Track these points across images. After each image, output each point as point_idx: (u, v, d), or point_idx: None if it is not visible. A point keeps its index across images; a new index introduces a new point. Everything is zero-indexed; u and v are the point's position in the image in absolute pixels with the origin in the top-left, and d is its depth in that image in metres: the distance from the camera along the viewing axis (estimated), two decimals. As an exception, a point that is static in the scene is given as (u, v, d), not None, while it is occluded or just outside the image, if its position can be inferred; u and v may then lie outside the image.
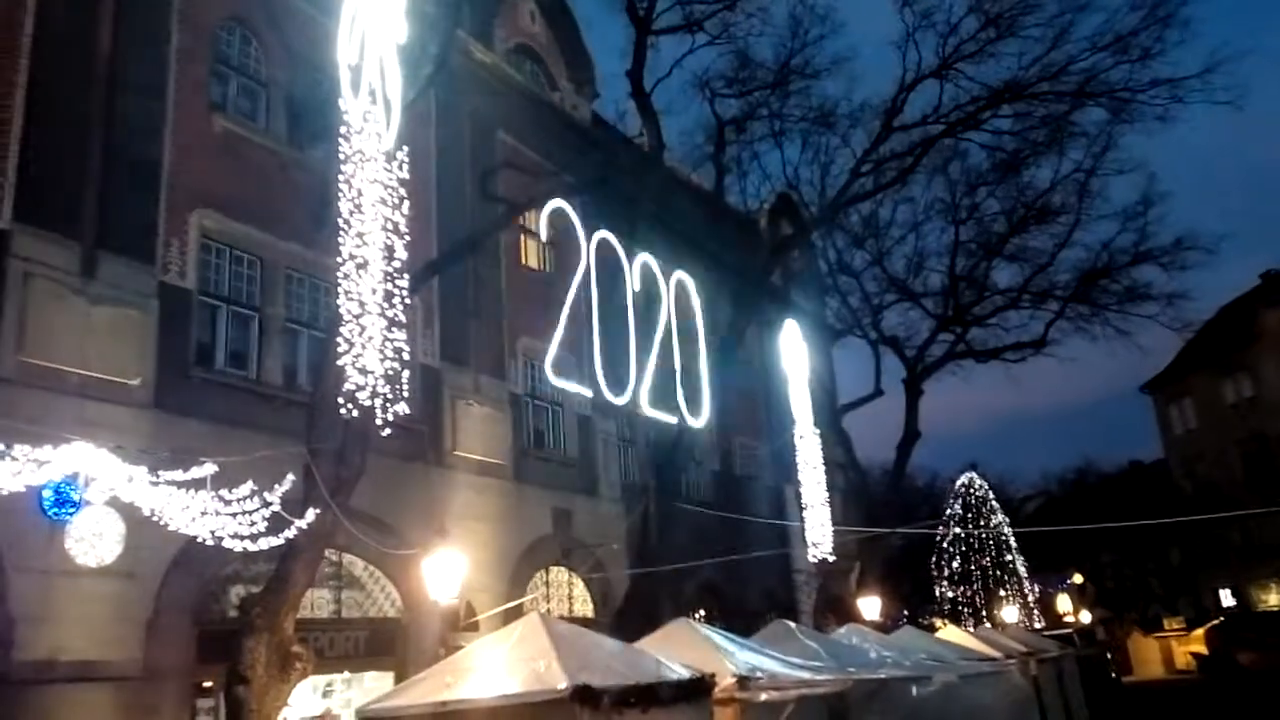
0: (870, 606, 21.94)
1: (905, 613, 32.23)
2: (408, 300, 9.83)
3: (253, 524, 9.02)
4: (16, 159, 9.95)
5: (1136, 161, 36.62)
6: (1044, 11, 21.04)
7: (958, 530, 33.94)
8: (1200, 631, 39.18)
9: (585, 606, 17.03)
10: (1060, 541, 33.11)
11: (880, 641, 14.85)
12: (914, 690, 13.39)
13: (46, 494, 8.29)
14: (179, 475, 8.71)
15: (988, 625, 28.76)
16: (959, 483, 35.99)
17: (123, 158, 10.87)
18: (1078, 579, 41.72)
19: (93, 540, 8.60)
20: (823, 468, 21.08)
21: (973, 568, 34.05)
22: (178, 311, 11.11)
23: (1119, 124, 23.18)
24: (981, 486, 35.56)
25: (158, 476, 8.58)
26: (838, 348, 29.43)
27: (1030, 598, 34.40)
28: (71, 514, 8.39)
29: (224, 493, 8.93)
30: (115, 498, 8.43)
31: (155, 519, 8.57)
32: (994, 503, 35.47)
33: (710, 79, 20.45)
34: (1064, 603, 34.22)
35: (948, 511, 35.09)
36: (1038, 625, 33.06)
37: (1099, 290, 26.51)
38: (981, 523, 34.07)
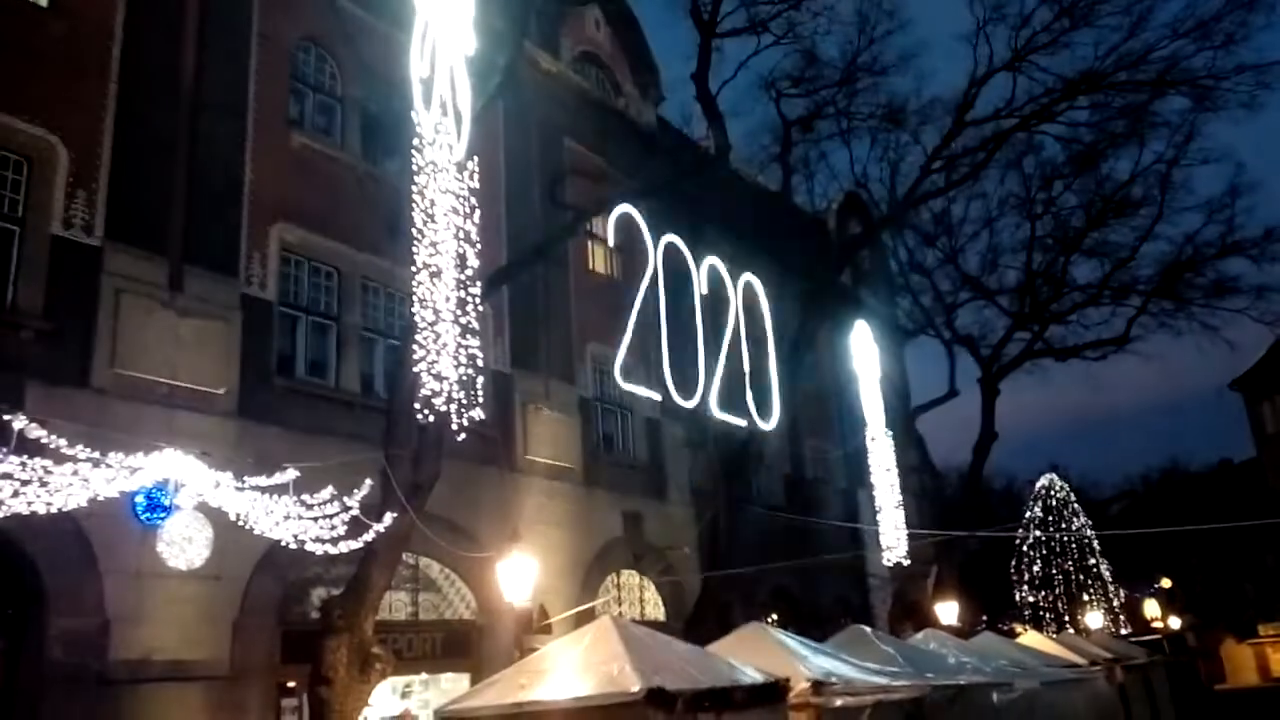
0: (948, 611, 21.51)
1: (984, 618, 31.49)
2: (480, 307, 10.00)
3: (333, 528, 9.28)
4: (107, 178, 10.41)
5: (1222, 150, 35.17)
6: (1120, -1, 20.42)
7: (1038, 534, 33.09)
8: (1298, 638, 37.46)
9: (657, 610, 17.06)
10: (1147, 545, 32.02)
11: (959, 647, 14.56)
12: (994, 697, 13.09)
13: (139, 500, 8.66)
14: (263, 481, 9.02)
15: (1071, 631, 27.96)
16: (1039, 485, 35.07)
17: (206, 175, 11.29)
18: (1166, 583, 40.28)
19: (182, 544, 8.94)
20: (896, 470, 20.77)
21: (1054, 572, 33.15)
22: (260, 322, 11.48)
23: (1202, 112, 22.39)
24: (1062, 488, 34.60)
25: (243, 482, 8.89)
26: (910, 348, 28.98)
27: (1115, 603, 33.34)
28: (162, 519, 8.74)
29: (305, 497, 9.21)
30: (203, 503, 8.76)
31: (240, 523, 8.88)
32: (1076, 505, 34.48)
33: (776, 79, 20.35)
34: (1151, 608, 33.01)
35: (1027, 514, 34.23)
36: (1124, 631, 32.01)
37: (1184, 284, 25.60)
38: (1063, 525, 33.16)
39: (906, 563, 20.28)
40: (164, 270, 10.60)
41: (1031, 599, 33.03)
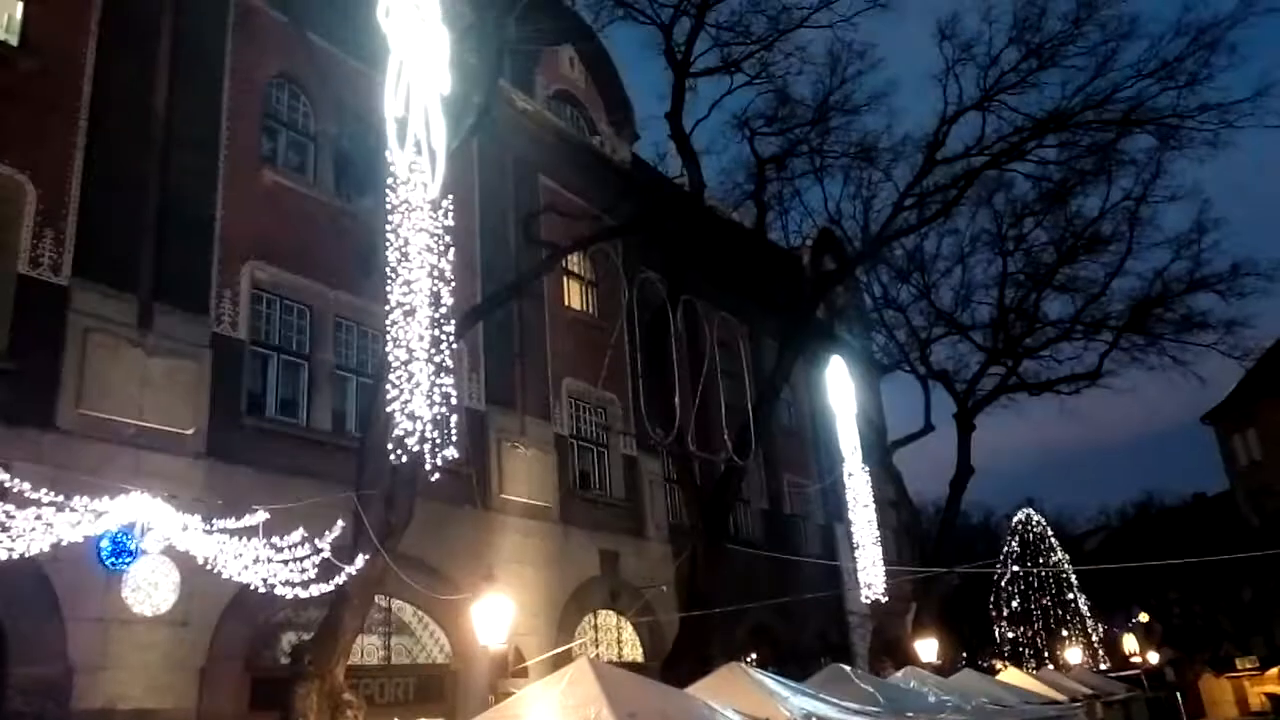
0: (927, 648, 21.39)
1: (964, 655, 31.33)
2: (454, 345, 9.91)
3: (304, 571, 9.08)
4: (76, 216, 10.29)
5: (1188, 188, 35.90)
6: (1086, 40, 20.83)
7: (1016, 569, 33.10)
8: (1275, 671, 37.52)
9: (635, 651, 16.84)
10: (1124, 579, 32.07)
11: (939, 685, 14.48)
12: (975, 735, 13.00)
13: (104, 544, 8.44)
14: (232, 523, 8.82)
15: (1050, 667, 27.88)
16: (1016, 519, 35.14)
17: (177, 213, 11.20)
18: (1144, 618, 40.35)
19: (149, 589, 8.73)
20: (874, 506, 20.71)
21: (1033, 607, 33.11)
22: (230, 361, 11.33)
23: (1168, 150, 22.78)
24: (1039, 523, 34.68)
25: (211, 525, 8.69)
26: (886, 383, 29.10)
27: (1094, 638, 33.32)
28: (128, 563, 8.52)
29: (275, 540, 9.01)
30: (170, 546, 8.55)
31: (209, 567, 8.67)
32: (1053, 539, 34.55)
33: (749, 118, 20.53)
34: (1130, 643, 33.00)
35: (1005, 549, 34.26)
36: (1103, 666, 31.96)
37: (1154, 319, 25.91)
38: (1040, 560, 33.20)
39: (885, 599, 20.16)
40: (133, 309, 10.46)
41: (1011, 635, 32.94)
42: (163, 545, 8.51)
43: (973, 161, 21.89)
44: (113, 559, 8.52)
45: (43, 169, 10.12)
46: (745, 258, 22.02)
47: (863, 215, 24.53)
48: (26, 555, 7.64)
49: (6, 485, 7.65)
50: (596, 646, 16.00)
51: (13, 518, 7.57)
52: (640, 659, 16.43)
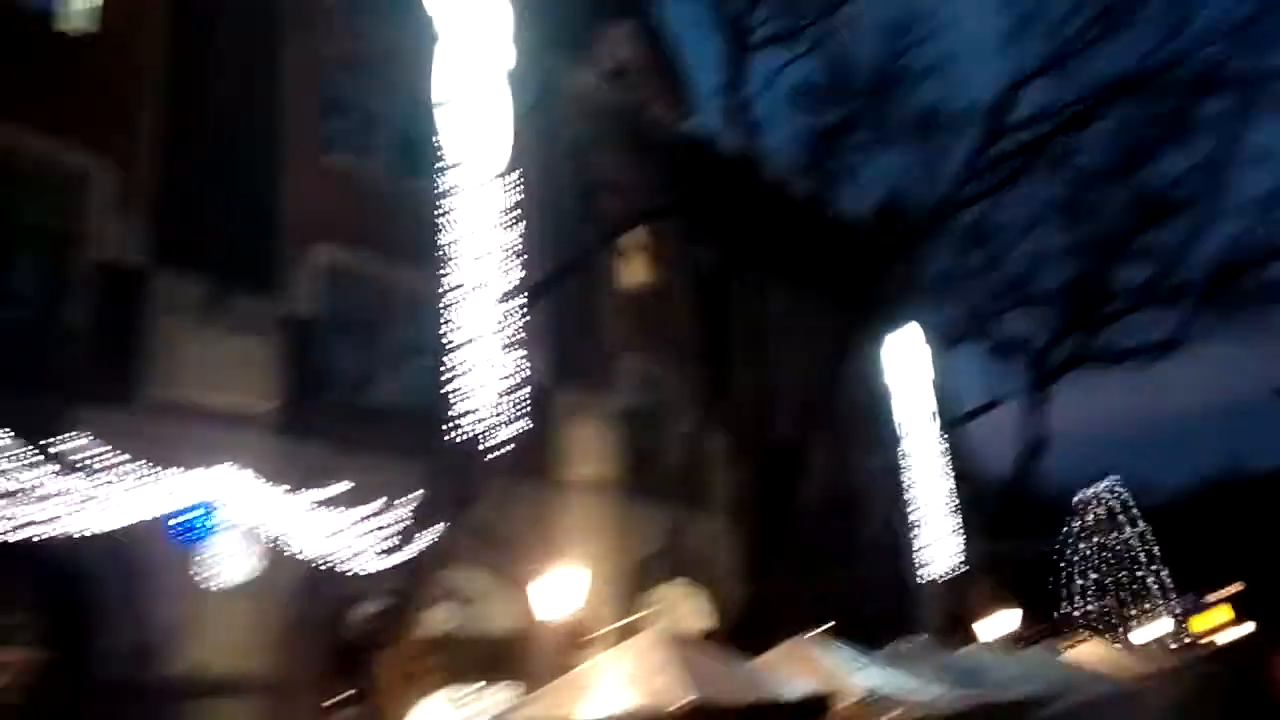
0: (996, 624, 21.11)
1: (1036, 629, 30.85)
2: (518, 322, 10.05)
3: (377, 543, 9.37)
4: (151, 202, 10.63)
5: (1270, 150, 34.22)
6: (1158, 1, 20.04)
7: (1091, 542, 32.41)
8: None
9: (700, 623, 16.93)
10: (1205, 552, 31.23)
11: (1008, 660, 14.29)
12: (1046, 711, 12.83)
13: (185, 517, 8.82)
14: (306, 497, 9.12)
15: (1125, 642, 27.30)
16: (1091, 491, 34.36)
17: (247, 195, 11.48)
18: (1225, 592, 39.18)
19: (229, 560, 9.08)
20: (941, 479, 20.48)
21: (1108, 582, 32.41)
22: (300, 340, 11.62)
23: (1247, 112, 21.86)
24: (1116, 495, 33.86)
25: (286, 499, 8.99)
26: (952, 356, 28.53)
27: (1172, 613, 32.50)
28: (209, 535, 8.88)
29: (350, 513, 9.31)
30: (249, 519, 8.88)
31: (285, 539, 8.98)
32: (1131, 511, 33.72)
33: (808, 89, 20.25)
34: (1210, 618, 32.13)
35: (1079, 522, 33.54)
36: (1181, 642, 31.17)
37: (1234, 286, 24.97)
38: (1116, 534, 32.44)
39: (954, 573, 19.95)
40: (207, 290, 10.77)
41: (1083, 610, 32.30)
42: (241, 518, 8.84)
43: (1040, 128, 21.26)
44: (194, 532, 8.90)
45: (118, 155, 10.48)
46: (805, 231, 21.77)
47: (926, 186, 24.03)
48: (114, 528, 8.03)
49: (93, 461, 8.03)
50: (662, 618, 16.11)
51: (100, 492, 7.96)
52: (705, 631, 16.52)
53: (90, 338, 9.81)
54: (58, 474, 7.74)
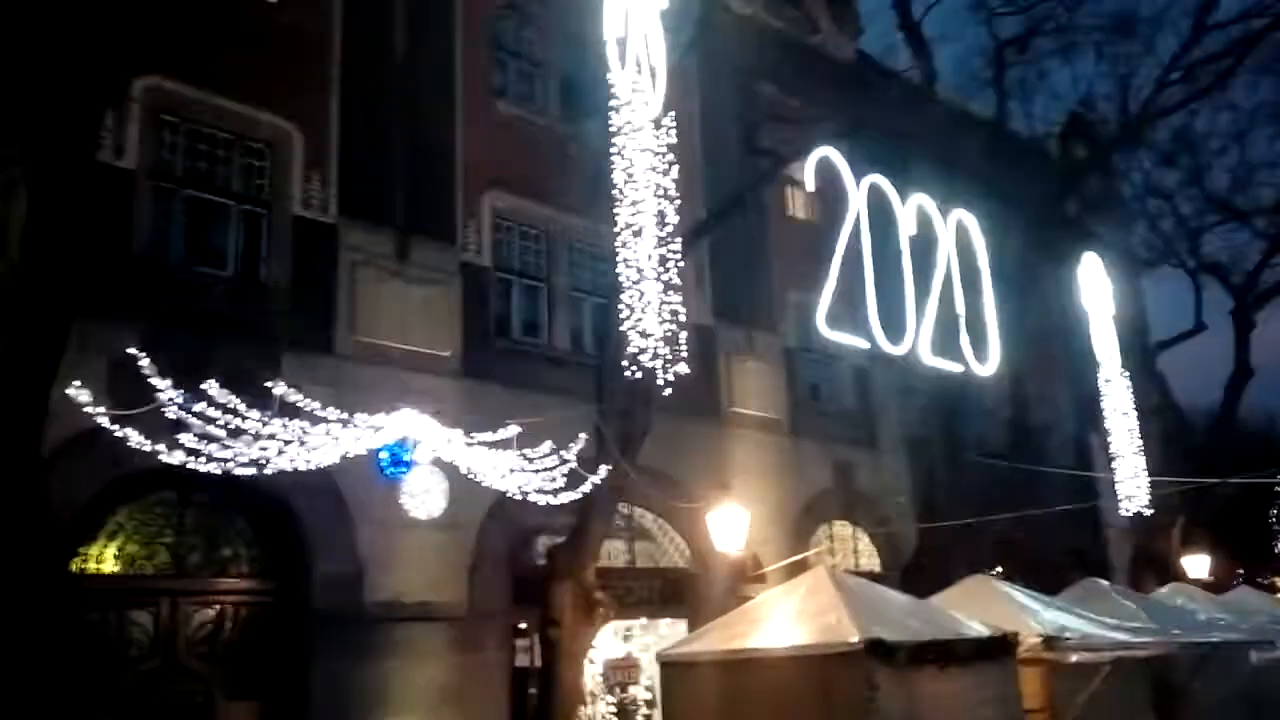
0: (1197, 564, 19.82)
1: (1241, 572, 28.78)
2: (681, 262, 10.07)
3: (553, 480, 9.76)
4: (337, 159, 11.25)
5: None
6: None
7: (1304, 480, 29.74)
8: None
9: (872, 561, 16.77)
10: None
11: (1211, 602, 13.47)
12: (1253, 656, 12.04)
13: (383, 455, 9.43)
14: (488, 436, 9.58)
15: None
16: (1304, 425, 31.43)
17: (422, 148, 11.95)
18: None
19: (423, 496, 9.67)
20: (1135, 413, 19.19)
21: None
22: (478, 287, 12.11)
23: None
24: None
25: (471, 438, 9.48)
26: (1149, 280, 26.45)
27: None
28: (404, 473, 9.49)
29: (527, 452, 9.72)
30: (438, 458, 9.42)
31: (471, 476, 9.49)
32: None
33: (986, -3, 18.90)
34: None
35: (1291, 458, 30.80)
36: None
37: None
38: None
39: (1149, 513, 18.77)
40: (392, 242, 11.37)
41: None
42: (431, 456, 9.39)
43: (1253, 24, 19.07)
44: (391, 468, 9.52)
45: (305, 116, 11.08)
46: (985, 152, 20.56)
47: (1120, 95, 22.04)
48: (320, 466, 8.70)
49: (300, 405, 8.69)
50: (833, 556, 16.07)
51: (307, 434, 8.62)
52: (878, 569, 16.36)
53: (291, 291, 10.57)
54: (267, 416, 8.41)
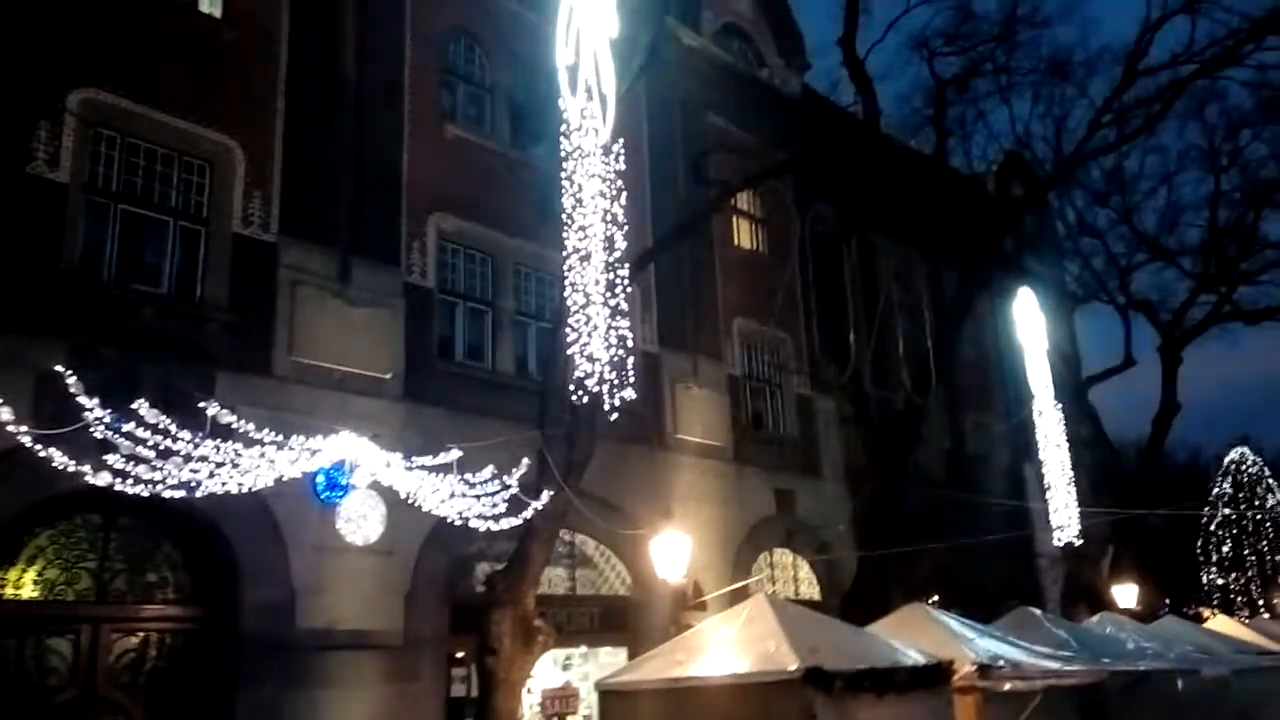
0: (1126, 594, 20.29)
1: (1167, 601, 29.52)
2: (628, 289, 10.08)
3: (494, 505, 9.63)
4: (279, 178, 11.09)
5: None
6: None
7: (1227, 512, 30.71)
8: None
9: (811, 589, 16.88)
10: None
11: (1139, 631, 13.75)
12: (1179, 684, 12.31)
13: (319, 479, 9.26)
14: (428, 460, 9.43)
15: (1265, 615, 25.87)
16: (1228, 459, 32.47)
17: (368, 169, 11.85)
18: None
19: (359, 520, 9.49)
20: (1067, 445, 19.67)
21: (1246, 553, 30.69)
22: (421, 309, 12.00)
23: None
24: (1255, 462, 31.92)
25: (410, 462, 9.33)
26: (1081, 315, 27.28)
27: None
28: (340, 497, 9.31)
29: (468, 476, 9.59)
30: (375, 482, 9.24)
31: (410, 501, 9.33)
32: (1270, 480, 31.75)
33: (928, 38, 19.41)
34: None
35: (1215, 491, 31.80)
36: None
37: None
38: (1256, 503, 30.63)
39: (1079, 543, 19.20)
40: (334, 262, 11.21)
41: (1220, 582, 30.71)
42: (369, 481, 9.22)
43: (1180, 70, 19.87)
44: (327, 492, 9.34)
45: (249, 134, 10.92)
46: (925, 187, 21.06)
47: (1054, 135, 22.89)
48: (253, 489, 8.48)
49: (234, 426, 8.47)
50: (773, 583, 16.13)
51: (240, 456, 8.39)
52: (817, 597, 16.46)
53: (228, 310, 10.34)
54: (199, 437, 8.18)
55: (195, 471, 8.10)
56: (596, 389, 9.49)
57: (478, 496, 9.62)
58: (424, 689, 10.82)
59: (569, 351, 9.57)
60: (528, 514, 9.66)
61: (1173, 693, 12.13)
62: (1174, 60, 19.80)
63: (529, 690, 11.07)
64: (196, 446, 8.12)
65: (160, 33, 10.41)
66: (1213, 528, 31.29)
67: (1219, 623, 17.79)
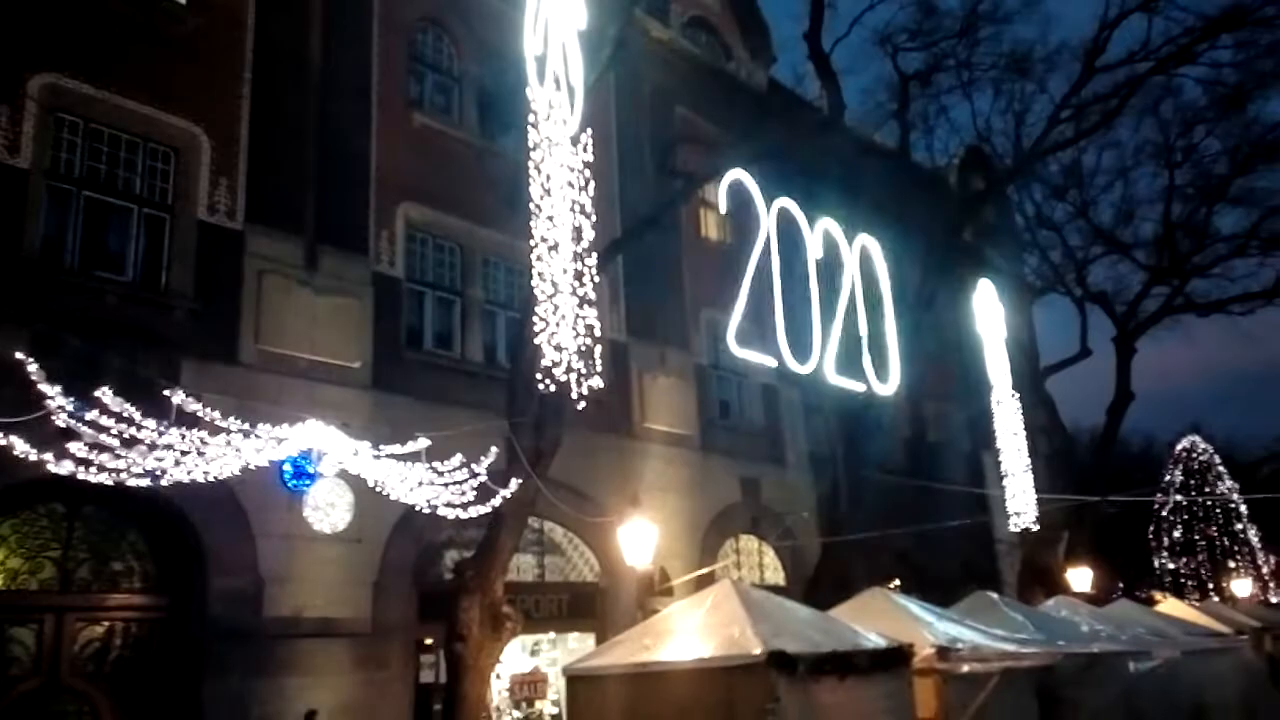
0: (1081, 578, 20.78)
1: (1120, 585, 30.23)
2: (596, 278, 10.16)
3: (463, 493, 9.66)
4: (246, 165, 11.01)
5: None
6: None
7: (1179, 498, 31.49)
8: None
9: (776, 574, 17.11)
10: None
11: (1093, 614, 14.11)
12: (1131, 666, 12.67)
13: (286, 468, 9.25)
14: (396, 449, 9.44)
15: (1215, 599, 26.62)
16: (1179, 447, 33.23)
17: (336, 158, 11.80)
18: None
19: (326, 509, 9.52)
20: (1024, 433, 20.08)
21: (1197, 538, 31.50)
22: (389, 298, 11.99)
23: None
24: (1206, 450, 32.72)
25: (379, 451, 9.33)
26: (1039, 306, 27.81)
27: (1265, 570, 31.48)
28: (308, 485, 9.32)
29: (436, 464, 9.61)
30: (344, 470, 9.24)
31: (378, 489, 9.35)
32: (1221, 468, 32.59)
33: (892, 33, 19.66)
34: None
35: (1167, 478, 32.58)
36: (1274, 600, 30.22)
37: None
38: (1207, 489, 31.45)
39: (1036, 528, 19.64)
40: (301, 250, 11.18)
41: (1171, 566, 31.49)
42: (337, 469, 9.20)
43: (1137, 67, 20.35)
44: (294, 481, 9.34)
45: (214, 121, 10.84)
46: (888, 180, 21.34)
47: (1014, 130, 23.24)
48: (219, 478, 8.44)
49: (200, 415, 8.42)
50: (739, 569, 16.34)
51: (206, 444, 8.34)
52: (782, 583, 16.70)
53: (194, 297, 10.28)
54: (164, 425, 8.14)
55: (160, 460, 8.03)
56: (564, 378, 9.57)
57: (446, 485, 9.64)
58: (392, 676, 10.86)
59: (536, 341, 9.64)
60: (496, 502, 9.72)
61: (1125, 674, 12.48)
62: (1131, 57, 20.27)
63: (497, 676, 11.17)
64: (161, 435, 8.06)
65: (124, 18, 10.29)
66: (1164, 513, 32.08)
67: (1170, 606, 18.29)
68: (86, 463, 7.71)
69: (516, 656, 12.46)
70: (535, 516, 11.98)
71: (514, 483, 9.78)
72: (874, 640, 9.09)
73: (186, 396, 8.33)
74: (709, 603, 9.11)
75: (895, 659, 8.98)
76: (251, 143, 11.09)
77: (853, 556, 15.29)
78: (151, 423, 8.01)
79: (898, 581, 18.12)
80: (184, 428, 8.22)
